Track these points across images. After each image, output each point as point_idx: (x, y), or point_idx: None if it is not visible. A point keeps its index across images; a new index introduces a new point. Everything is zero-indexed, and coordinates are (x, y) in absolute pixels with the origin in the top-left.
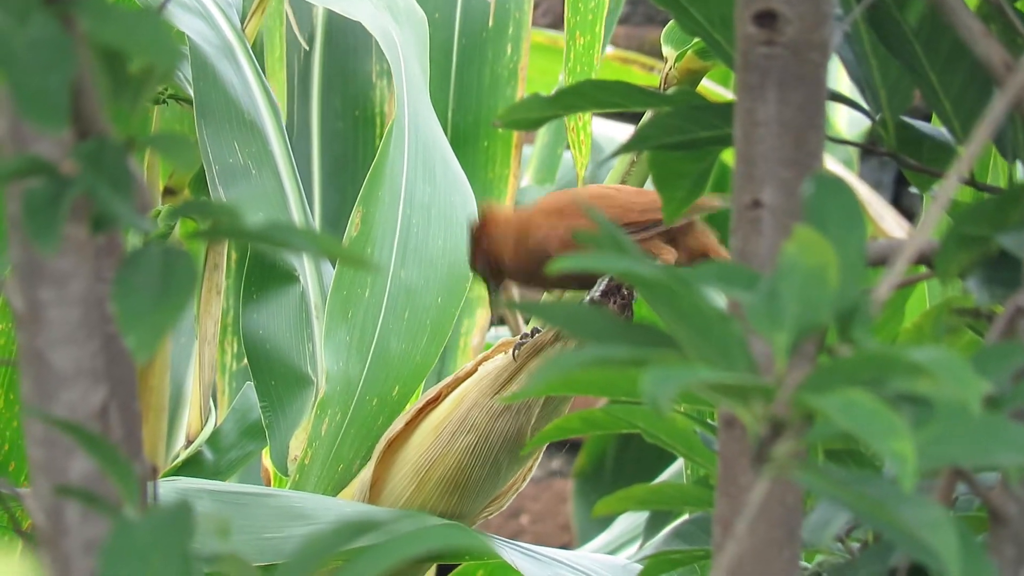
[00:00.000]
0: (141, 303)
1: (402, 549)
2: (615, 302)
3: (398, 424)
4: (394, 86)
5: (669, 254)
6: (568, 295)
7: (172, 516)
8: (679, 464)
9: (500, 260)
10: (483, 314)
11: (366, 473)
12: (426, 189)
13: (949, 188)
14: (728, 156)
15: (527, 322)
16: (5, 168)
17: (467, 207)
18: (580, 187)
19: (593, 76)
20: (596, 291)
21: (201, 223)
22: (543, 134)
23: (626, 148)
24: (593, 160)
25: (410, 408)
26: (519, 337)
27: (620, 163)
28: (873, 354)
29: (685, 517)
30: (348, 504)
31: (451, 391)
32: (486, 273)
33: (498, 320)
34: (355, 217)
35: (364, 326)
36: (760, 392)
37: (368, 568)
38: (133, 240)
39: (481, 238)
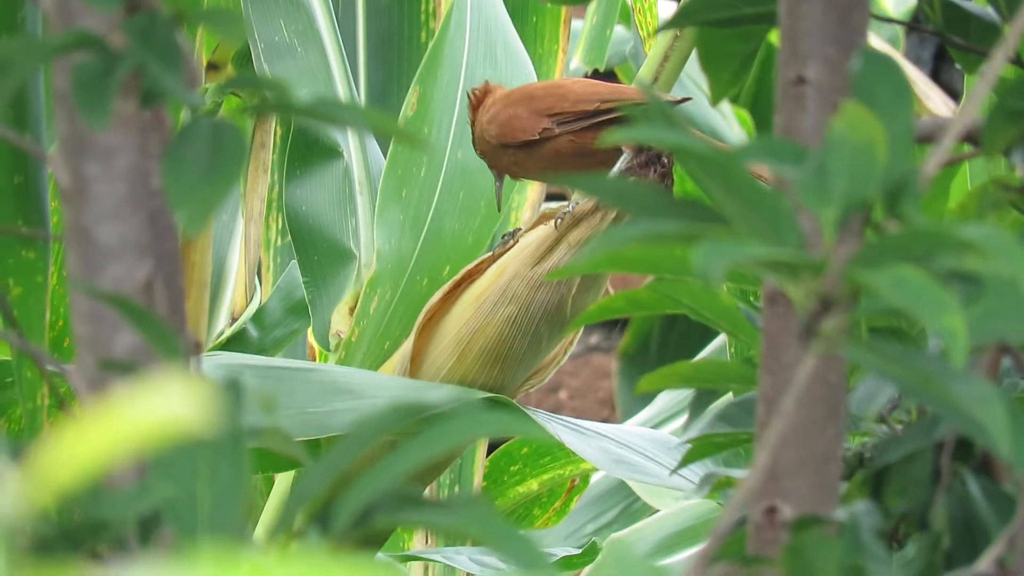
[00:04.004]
0: (192, 178)
1: (458, 435)
2: (655, 171)
3: (438, 296)
4: None
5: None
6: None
7: (222, 392)
8: (720, 340)
9: (478, 140)
10: (533, 190)
11: (407, 346)
12: (487, 70)
13: (996, 66)
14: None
15: None
16: (54, 42)
17: None
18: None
19: None
20: (622, 165)
21: (249, 99)
22: (592, 14)
23: (671, 24)
24: (635, 36)
25: (450, 281)
26: (564, 206)
27: (662, 40)
28: (922, 230)
29: (729, 396)
30: (392, 379)
31: (490, 264)
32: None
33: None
34: (411, 96)
35: (419, 205)
36: (810, 267)
37: (422, 453)
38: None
39: (472, 123)
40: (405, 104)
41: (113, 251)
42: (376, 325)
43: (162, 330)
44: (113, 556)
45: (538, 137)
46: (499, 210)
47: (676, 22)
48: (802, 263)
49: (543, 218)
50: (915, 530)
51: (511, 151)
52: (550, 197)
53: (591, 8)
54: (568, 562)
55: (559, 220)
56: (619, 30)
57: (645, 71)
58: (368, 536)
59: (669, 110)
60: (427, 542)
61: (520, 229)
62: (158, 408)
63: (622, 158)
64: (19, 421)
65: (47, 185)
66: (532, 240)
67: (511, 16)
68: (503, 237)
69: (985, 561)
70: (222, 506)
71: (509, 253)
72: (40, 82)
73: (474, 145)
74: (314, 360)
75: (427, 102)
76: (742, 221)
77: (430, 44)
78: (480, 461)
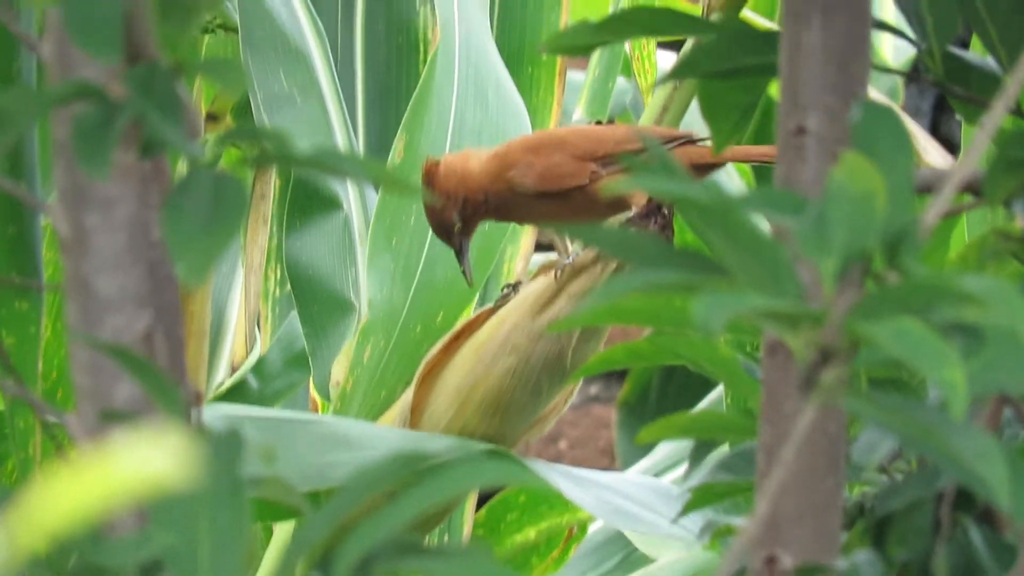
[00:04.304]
0: (192, 229)
1: (457, 484)
2: (655, 222)
3: (438, 347)
4: (438, 10)
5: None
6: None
7: (223, 442)
8: (717, 392)
9: (473, 197)
10: (526, 240)
11: (407, 397)
12: (477, 114)
13: (996, 116)
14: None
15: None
16: (55, 93)
17: (521, 132)
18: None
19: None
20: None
21: (249, 150)
22: (594, 67)
23: (673, 75)
24: (634, 88)
25: (450, 332)
26: (567, 257)
27: (661, 90)
28: (923, 282)
29: (726, 448)
30: (392, 431)
31: (490, 316)
32: (452, 219)
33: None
34: (398, 143)
35: (409, 253)
36: (810, 319)
37: (420, 501)
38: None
39: (442, 180)
40: (392, 152)
41: (113, 302)
42: (371, 374)
43: (162, 381)
44: None
45: (588, 182)
46: (470, 285)
47: (677, 73)
48: (802, 314)
49: (543, 269)
50: None
51: (547, 201)
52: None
53: (593, 60)
54: None
55: (559, 271)
56: (619, 81)
57: (645, 121)
58: None
59: (670, 160)
60: None
61: (520, 281)
62: (147, 460)
63: (633, 206)
64: (12, 473)
65: (41, 236)
66: (532, 291)
67: (507, 66)
68: (503, 289)
69: None
70: (222, 555)
71: (509, 304)
72: (34, 132)
73: (434, 216)
74: (316, 411)
75: (414, 149)
76: (742, 271)
77: (415, 91)
78: (470, 511)
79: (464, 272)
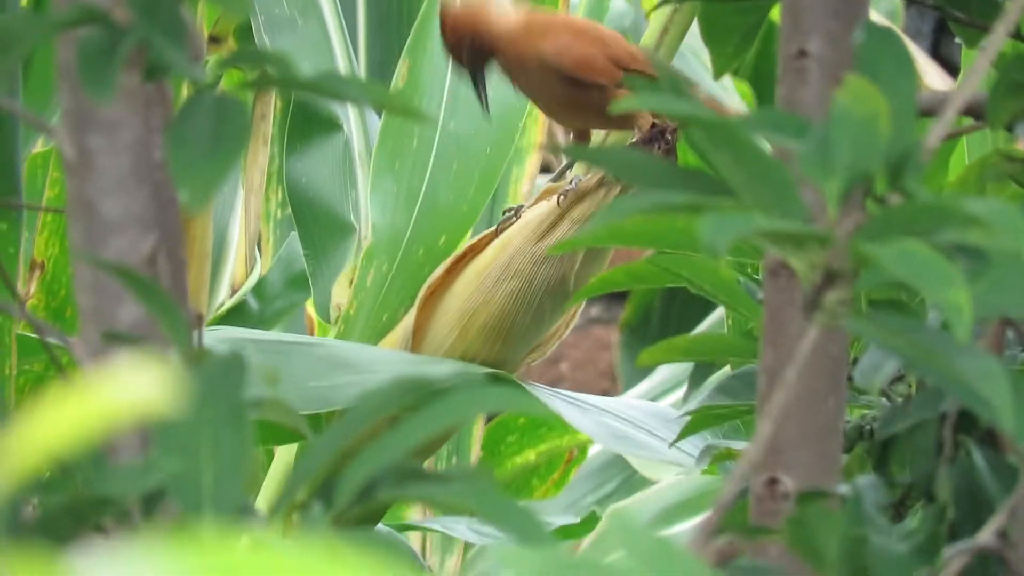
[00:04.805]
0: (195, 153)
1: (459, 411)
2: (659, 147)
3: (440, 271)
4: None
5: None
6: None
7: (225, 365)
8: (717, 314)
9: (491, 48)
10: (532, 162)
11: (408, 320)
12: None
13: (997, 40)
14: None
15: (570, 166)
16: (60, 17)
17: None
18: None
19: None
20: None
21: (251, 72)
22: None
23: None
24: (635, 10)
25: (452, 255)
26: (566, 182)
27: (660, 12)
28: (928, 204)
29: (727, 369)
30: (394, 354)
31: (493, 240)
32: (469, 59)
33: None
34: (402, 67)
35: (412, 176)
36: (815, 240)
37: (422, 428)
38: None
39: (465, 29)
40: (395, 76)
41: (117, 224)
42: (374, 297)
43: (167, 302)
44: (117, 530)
45: (611, 86)
46: (487, 112)
47: None
48: (808, 235)
49: (546, 193)
50: (919, 502)
51: (566, 84)
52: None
53: None
54: (567, 531)
55: (562, 196)
56: (619, 3)
57: (645, 44)
58: (369, 510)
59: (679, 80)
60: (425, 513)
61: (523, 205)
62: (148, 384)
63: (637, 129)
64: None
65: (21, 155)
66: (535, 216)
67: None
68: (505, 212)
69: (987, 532)
70: (225, 480)
71: (512, 228)
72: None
73: (451, 47)
74: (313, 333)
75: (417, 74)
76: (747, 192)
77: (418, 15)
78: (478, 432)
79: (480, 99)
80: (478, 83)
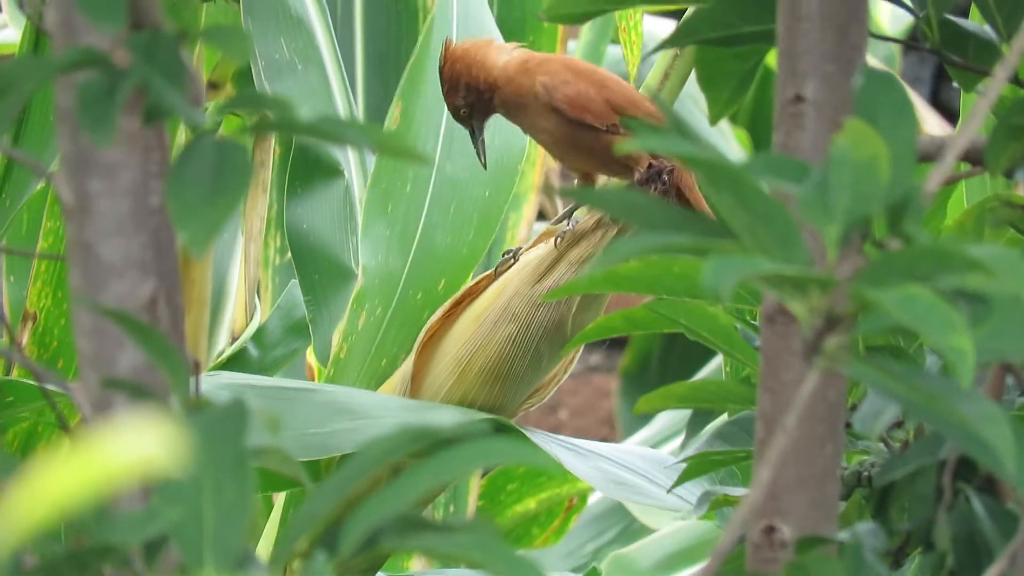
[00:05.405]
0: (195, 197)
1: (466, 463)
2: (656, 188)
3: (438, 314)
4: None
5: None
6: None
7: (227, 413)
8: (717, 361)
9: (474, 86)
10: (530, 207)
11: (407, 365)
12: None
13: (997, 85)
14: (772, 59)
15: (573, 210)
16: (59, 60)
17: None
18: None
19: None
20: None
21: (250, 117)
22: (587, 32)
23: (671, 42)
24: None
25: (450, 299)
26: (565, 224)
27: (661, 59)
28: (929, 248)
29: (725, 416)
30: (393, 399)
31: (491, 282)
32: (457, 103)
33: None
34: (394, 110)
35: (406, 220)
36: (817, 284)
37: (430, 480)
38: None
39: (449, 65)
40: (388, 119)
41: (116, 268)
42: (367, 341)
43: (166, 348)
44: None
45: (603, 128)
46: (484, 166)
47: (675, 41)
48: (810, 279)
49: (544, 236)
50: (918, 549)
51: (560, 121)
52: (540, 216)
53: (585, 26)
54: None
55: (559, 238)
56: (617, 50)
57: (645, 90)
58: (371, 559)
59: (682, 122)
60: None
61: (521, 247)
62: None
63: (635, 171)
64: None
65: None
66: (533, 258)
67: (508, 35)
68: (504, 255)
69: None
70: (226, 527)
71: (510, 271)
72: None
73: (450, 93)
74: (313, 379)
75: (410, 116)
76: (750, 235)
77: (411, 58)
78: (475, 481)
79: (478, 154)
80: (475, 134)
